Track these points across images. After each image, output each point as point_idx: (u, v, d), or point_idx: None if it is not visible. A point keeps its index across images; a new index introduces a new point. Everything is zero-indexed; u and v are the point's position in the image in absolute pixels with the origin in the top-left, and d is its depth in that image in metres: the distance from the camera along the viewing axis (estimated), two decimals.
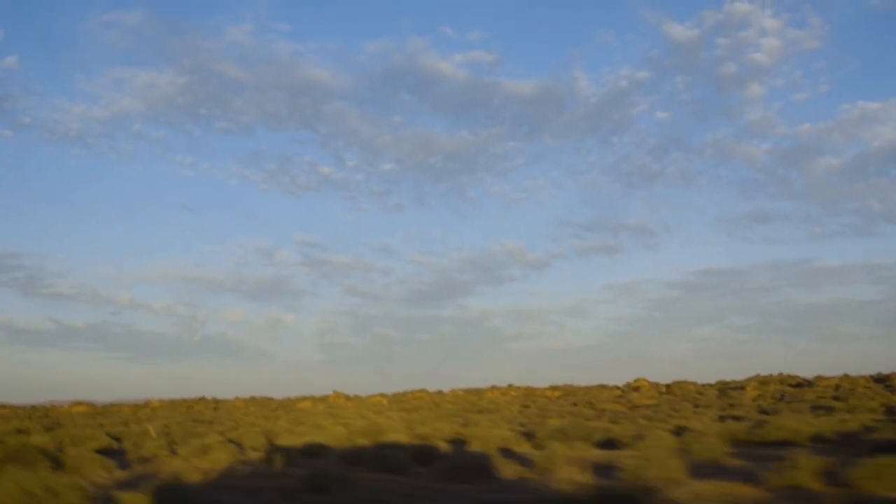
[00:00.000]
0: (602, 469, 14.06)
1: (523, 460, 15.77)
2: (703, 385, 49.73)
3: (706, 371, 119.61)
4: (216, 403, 66.76)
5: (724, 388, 47.83)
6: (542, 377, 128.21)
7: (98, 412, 64.25)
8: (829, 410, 27.71)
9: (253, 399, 70.91)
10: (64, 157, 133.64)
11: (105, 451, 19.37)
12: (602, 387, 56.57)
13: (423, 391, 63.63)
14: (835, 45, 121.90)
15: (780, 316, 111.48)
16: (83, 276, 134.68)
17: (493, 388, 56.77)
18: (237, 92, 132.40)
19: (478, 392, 55.90)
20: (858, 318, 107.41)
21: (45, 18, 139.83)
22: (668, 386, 51.56)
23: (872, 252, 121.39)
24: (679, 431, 20.39)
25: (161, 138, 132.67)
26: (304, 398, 63.96)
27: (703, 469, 13.14)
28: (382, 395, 63.98)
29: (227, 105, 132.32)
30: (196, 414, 51.29)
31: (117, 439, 23.33)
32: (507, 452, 17.36)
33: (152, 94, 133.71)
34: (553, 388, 51.49)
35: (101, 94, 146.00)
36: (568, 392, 49.79)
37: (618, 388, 55.66)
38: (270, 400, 71.17)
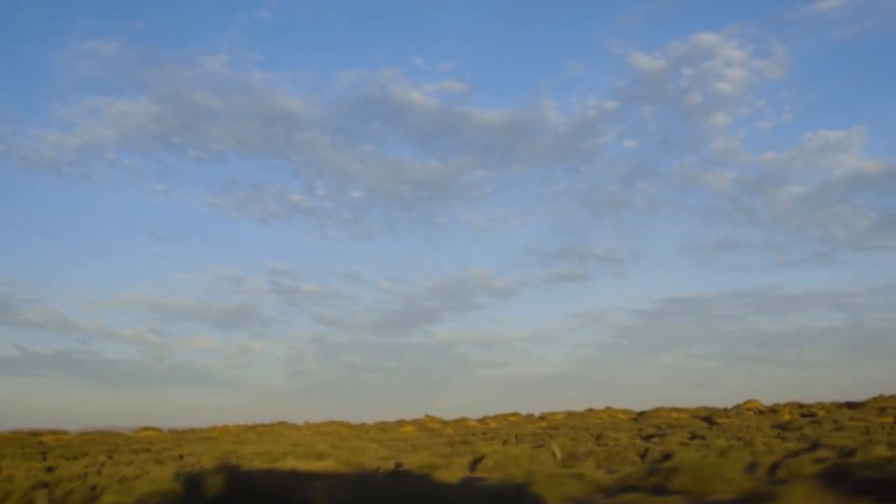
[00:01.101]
0: None
1: None
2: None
3: (671, 399, 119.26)
4: (307, 427, 65.90)
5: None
6: (509, 405, 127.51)
7: (191, 438, 63.02)
8: None
9: (334, 422, 69.95)
10: (37, 184, 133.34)
11: None
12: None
13: (517, 413, 63.26)
14: (799, 75, 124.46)
15: (744, 343, 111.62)
16: (52, 304, 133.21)
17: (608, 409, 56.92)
18: (211, 121, 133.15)
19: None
20: (822, 345, 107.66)
21: (20, 47, 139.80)
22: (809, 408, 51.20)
23: (836, 279, 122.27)
24: None
25: (134, 166, 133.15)
26: (403, 422, 63.49)
27: None
28: (480, 421, 63.48)
29: (200, 133, 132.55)
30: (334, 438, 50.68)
31: None
32: None
33: (126, 123, 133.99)
34: (679, 410, 51.22)
35: (76, 123, 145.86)
36: (697, 416, 49.56)
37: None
38: (352, 425, 70.23)
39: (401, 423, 63.34)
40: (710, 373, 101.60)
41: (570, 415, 58.62)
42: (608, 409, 58.31)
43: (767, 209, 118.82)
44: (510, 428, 55.61)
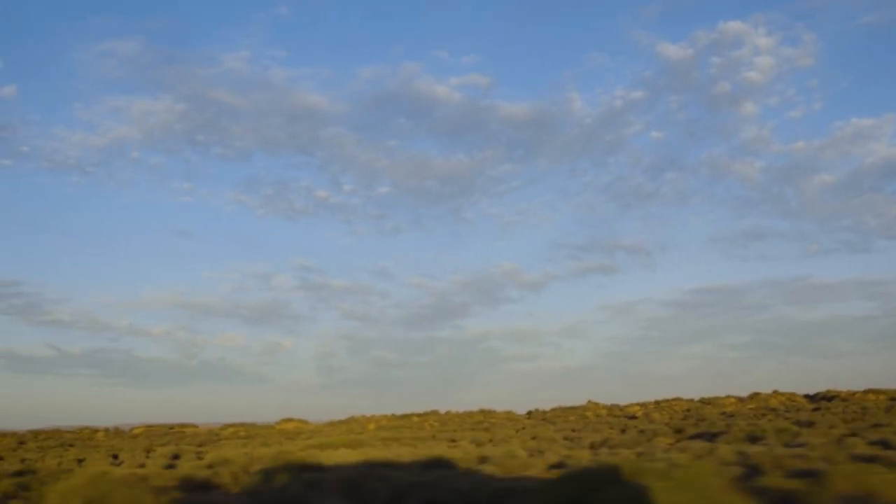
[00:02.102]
0: None
1: None
2: None
3: (700, 389, 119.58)
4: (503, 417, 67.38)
5: None
6: (540, 398, 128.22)
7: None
8: None
9: (484, 410, 71.53)
10: (62, 185, 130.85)
11: None
12: None
13: (678, 398, 65.84)
14: (828, 63, 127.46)
15: (774, 333, 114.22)
16: (82, 303, 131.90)
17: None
18: (234, 118, 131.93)
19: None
20: (854, 334, 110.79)
21: (43, 48, 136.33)
22: None
23: (867, 268, 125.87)
24: None
25: (159, 165, 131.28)
26: (572, 409, 65.46)
27: None
28: (640, 404, 65.68)
29: (224, 131, 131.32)
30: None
31: None
32: None
33: (150, 122, 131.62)
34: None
35: (99, 123, 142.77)
36: None
37: None
38: (506, 413, 71.88)
39: (565, 409, 65.36)
40: (741, 363, 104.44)
41: (741, 400, 61.56)
42: (776, 392, 61.47)
43: (798, 198, 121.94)
44: (688, 413, 58.27)
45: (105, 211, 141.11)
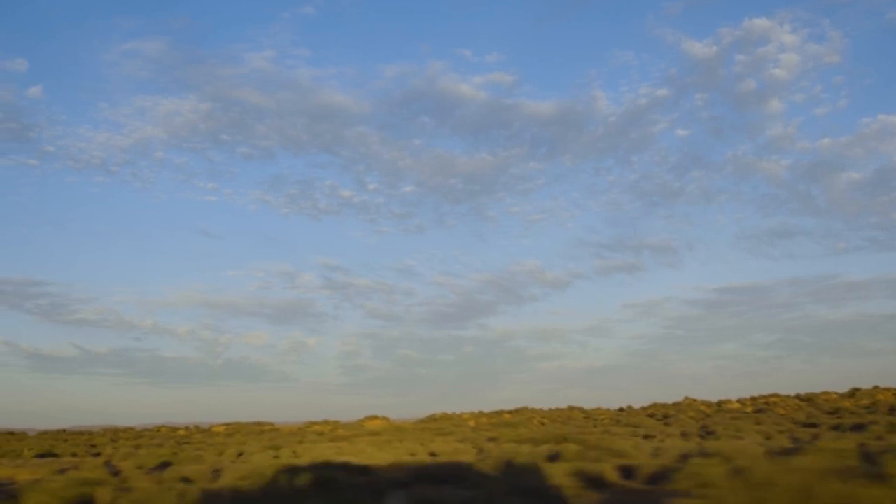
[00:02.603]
0: None
1: None
2: None
3: (728, 389, 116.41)
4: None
5: None
6: (564, 396, 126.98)
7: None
8: None
9: (573, 408, 71.51)
10: (87, 184, 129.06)
11: None
12: None
13: (776, 394, 66.32)
14: (854, 59, 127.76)
15: (802, 332, 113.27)
16: (107, 303, 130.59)
17: None
18: (259, 118, 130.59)
19: None
20: (883, 332, 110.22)
21: (68, 49, 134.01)
22: None
23: None
24: None
25: (183, 165, 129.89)
26: (659, 405, 65.60)
27: None
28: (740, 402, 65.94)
29: (248, 131, 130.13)
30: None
31: None
32: None
33: (175, 122, 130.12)
34: None
35: (125, 122, 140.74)
36: None
37: None
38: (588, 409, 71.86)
39: (665, 405, 65.59)
40: (768, 362, 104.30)
41: (842, 396, 62.19)
42: (876, 387, 62.23)
43: (824, 196, 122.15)
44: (800, 408, 58.77)
45: (130, 210, 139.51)
